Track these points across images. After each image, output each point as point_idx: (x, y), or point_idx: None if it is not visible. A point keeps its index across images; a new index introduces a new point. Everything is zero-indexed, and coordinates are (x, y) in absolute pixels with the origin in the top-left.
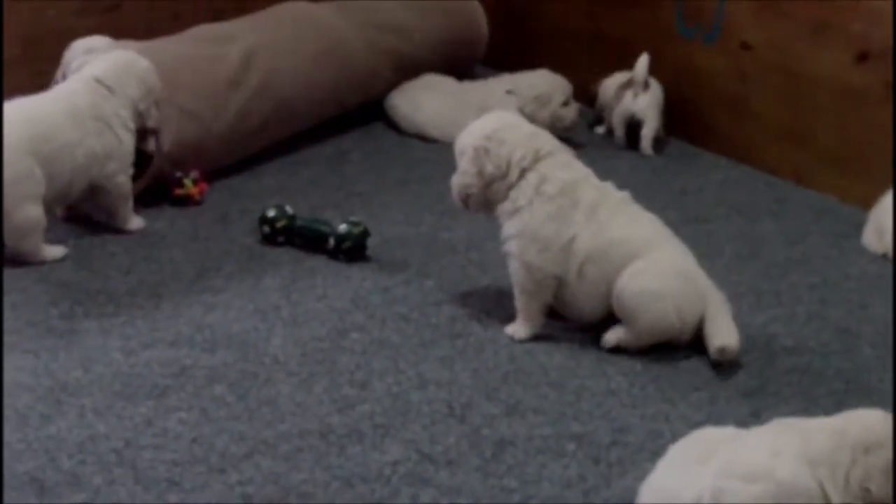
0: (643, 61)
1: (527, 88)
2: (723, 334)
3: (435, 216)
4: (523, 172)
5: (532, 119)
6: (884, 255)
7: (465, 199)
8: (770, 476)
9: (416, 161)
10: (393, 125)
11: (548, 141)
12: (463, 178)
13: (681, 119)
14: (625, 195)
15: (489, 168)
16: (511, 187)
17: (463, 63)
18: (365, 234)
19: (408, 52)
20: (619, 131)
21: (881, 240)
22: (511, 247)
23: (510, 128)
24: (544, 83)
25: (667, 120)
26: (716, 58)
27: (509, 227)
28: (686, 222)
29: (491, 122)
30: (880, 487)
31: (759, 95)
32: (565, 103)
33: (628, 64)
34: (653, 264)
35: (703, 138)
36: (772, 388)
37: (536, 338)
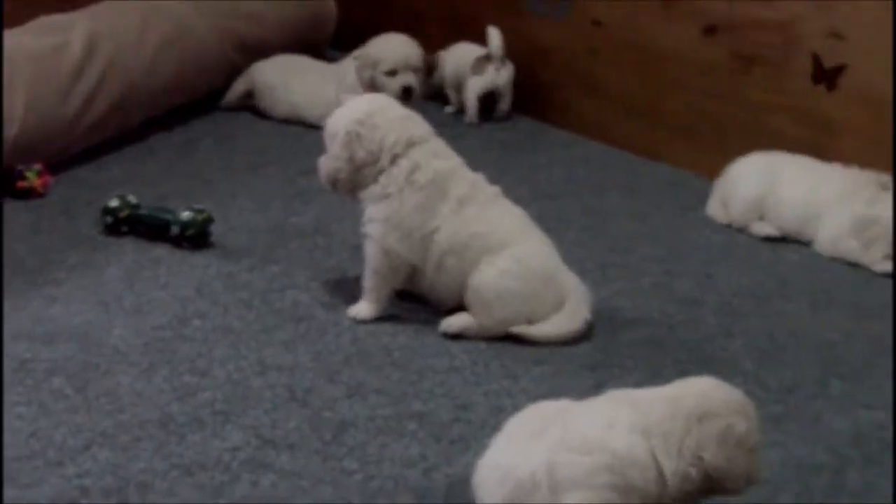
0: (495, 35)
1: (366, 47)
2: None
3: (284, 201)
4: (395, 158)
5: (359, 80)
6: (729, 225)
7: (334, 182)
8: (604, 447)
9: (268, 146)
10: (257, 111)
11: (420, 126)
12: (334, 161)
13: (532, 96)
14: (496, 189)
15: (360, 153)
16: (381, 172)
17: (313, 45)
18: (208, 220)
19: (257, 35)
20: (474, 104)
21: (726, 210)
22: (373, 230)
23: (382, 111)
24: (379, 45)
25: (518, 97)
26: (566, 34)
27: (374, 212)
28: (535, 199)
29: (363, 105)
30: (713, 455)
31: (609, 71)
32: (392, 72)
33: (480, 40)
34: (512, 261)
35: (554, 115)
36: (616, 361)
37: (380, 318)
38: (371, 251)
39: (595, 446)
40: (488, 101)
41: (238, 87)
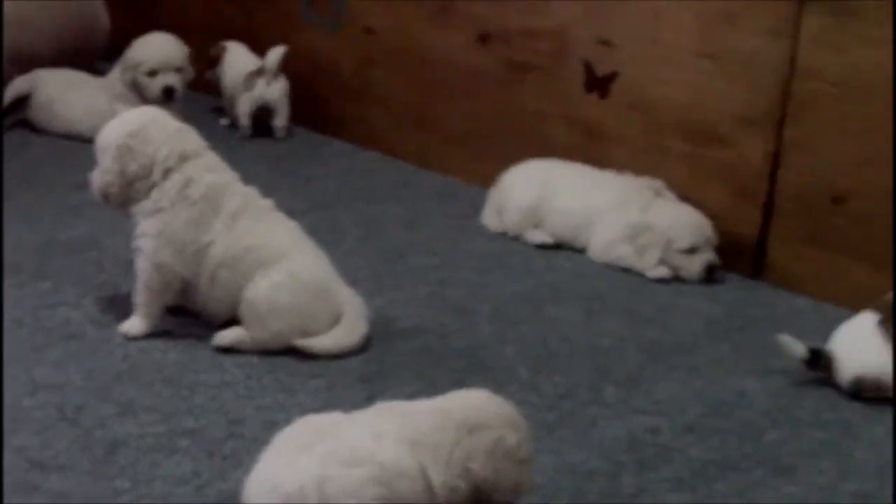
0: (278, 52)
1: (130, 49)
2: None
3: (54, 216)
4: (167, 172)
5: (125, 86)
6: (503, 233)
7: (106, 196)
8: (372, 459)
9: (39, 161)
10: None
11: (194, 140)
12: (105, 175)
13: (307, 107)
14: (268, 203)
15: (132, 167)
16: (154, 186)
17: (84, 56)
18: None
19: (26, 45)
20: (246, 120)
21: (501, 218)
22: (145, 245)
23: (155, 124)
24: (140, 47)
25: (295, 108)
26: (340, 44)
27: (147, 227)
28: (310, 210)
29: (135, 117)
30: (482, 467)
31: (383, 80)
32: (152, 73)
33: (256, 52)
34: (286, 275)
35: (329, 126)
36: (390, 372)
37: (152, 334)
38: (143, 266)
39: (363, 459)
40: (263, 115)
41: (7, 97)
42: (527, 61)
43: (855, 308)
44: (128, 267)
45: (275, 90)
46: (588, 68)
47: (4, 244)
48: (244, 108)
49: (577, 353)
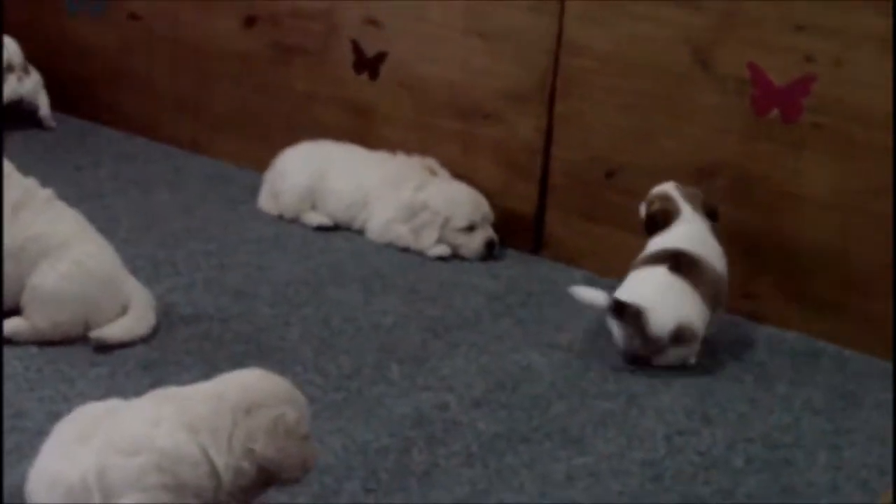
0: (11, 44)
1: None
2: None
3: None
4: None
5: None
6: (280, 216)
7: None
8: (151, 447)
9: None
10: None
11: None
12: None
13: (73, 95)
14: (48, 192)
15: None
16: None
17: None
18: None
19: None
20: None
21: (276, 201)
22: None
23: None
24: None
25: (63, 97)
26: (106, 30)
27: None
28: (83, 199)
29: None
30: (264, 447)
31: (150, 66)
32: None
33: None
34: (72, 264)
35: (98, 113)
36: (172, 358)
37: None
38: None
39: (142, 446)
40: (20, 110)
41: None
42: (295, 43)
43: None
44: None
45: (27, 84)
46: (357, 49)
47: None
48: None
49: (361, 333)
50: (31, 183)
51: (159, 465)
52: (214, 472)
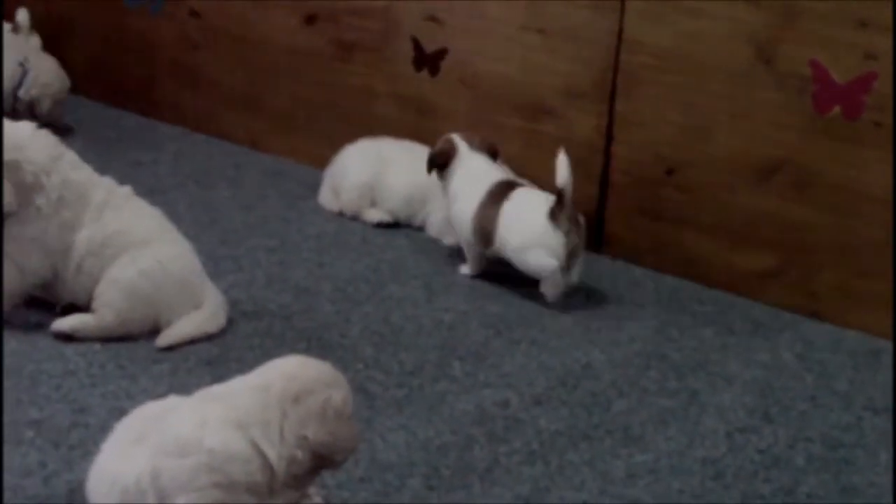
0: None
1: (39, 69)
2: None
3: None
4: (47, 177)
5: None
6: (340, 213)
7: None
8: (199, 447)
9: None
10: None
11: (54, 140)
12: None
13: (133, 91)
14: (127, 190)
15: (28, 180)
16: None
17: None
18: None
19: None
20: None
21: (337, 198)
22: (14, 250)
23: (21, 131)
24: (54, 75)
25: (122, 93)
26: (165, 27)
27: (20, 231)
28: (144, 194)
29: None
30: (316, 432)
31: (210, 63)
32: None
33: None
34: (153, 262)
35: (157, 109)
36: (234, 355)
37: None
38: (6, 269)
39: (191, 448)
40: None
41: None
42: (355, 40)
43: (690, 276)
44: None
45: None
46: (417, 45)
47: None
48: None
49: (422, 330)
50: (109, 182)
51: (210, 465)
52: (267, 465)
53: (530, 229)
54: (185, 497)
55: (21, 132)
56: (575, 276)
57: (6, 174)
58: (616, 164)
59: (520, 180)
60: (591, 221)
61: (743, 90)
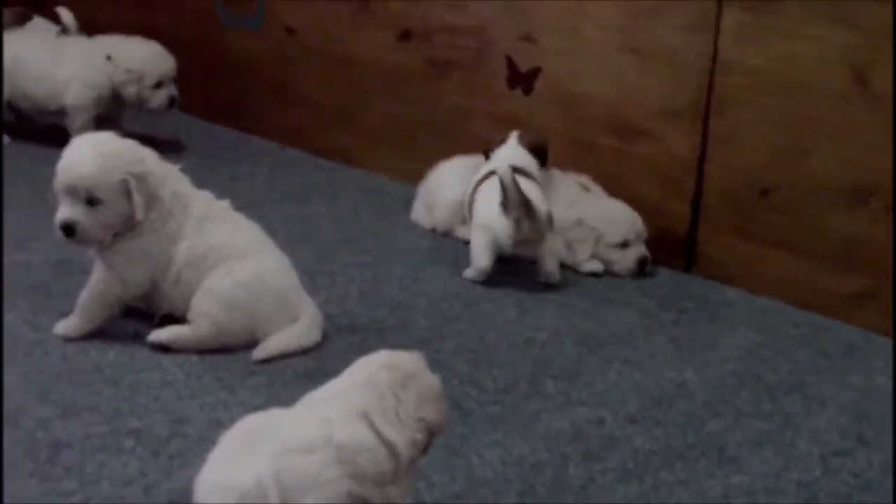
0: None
1: (123, 55)
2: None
3: None
4: (161, 190)
5: (120, 90)
6: (433, 230)
7: (90, 237)
8: (328, 442)
9: None
10: None
11: (154, 156)
12: (104, 214)
13: (229, 106)
14: (226, 204)
15: (147, 197)
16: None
17: None
18: None
19: None
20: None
21: (430, 215)
22: (117, 262)
23: (136, 149)
24: (141, 58)
25: (216, 108)
26: (261, 43)
27: (125, 245)
28: (239, 208)
29: (108, 146)
30: (430, 412)
31: (304, 78)
32: (158, 84)
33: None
34: (250, 275)
35: (252, 124)
36: (330, 368)
37: (89, 335)
38: (107, 279)
39: (317, 444)
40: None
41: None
42: (449, 58)
43: (783, 298)
44: (58, 267)
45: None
46: (511, 64)
47: None
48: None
49: (515, 347)
50: (208, 195)
51: (338, 458)
52: (393, 452)
53: (485, 211)
54: (315, 493)
55: (134, 146)
56: (549, 266)
57: (136, 186)
58: (710, 185)
59: (531, 171)
60: (683, 241)
61: (838, 112)
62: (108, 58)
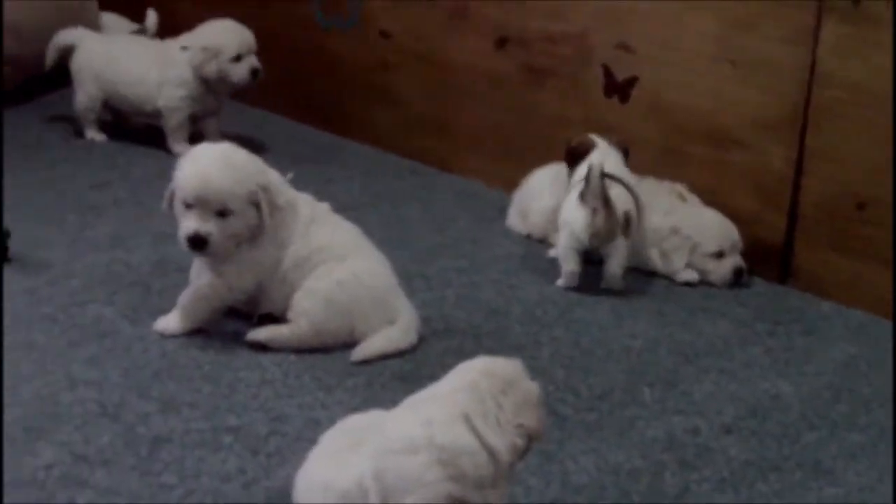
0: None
1: (197, 37)
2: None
3: (78, 214)
4: (280, 199)
5: (200, 72)
6: (528, 236)
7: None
8: (430, 443)
9: (56, 159)
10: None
11: (258, 160)
12: (232, 226)
13: (324, 109)
14: (327, 206)
15: (268, 205)
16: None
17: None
18: (4, 235)
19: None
20: None
21: (525, 221)
22: (229, 270)
23: (250, 157)
24: (215, 34)
25: (312, 110)
26: (356, 47)
27: (240, 254)
28: (336, 211)
29: (227, 156)
30: (529, 419)
31: (401, 83)
32: (237, 58)
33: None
34: (350, 275)
35: (348, 127)
36: (426, 371)
37: (188, 332)
38: (216, 284)
39: (420, 445)
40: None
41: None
42: (546, 65)
43: (878, 312)
44: (156, 265)
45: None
46: (608, 73)
47: (28, 241)
48: None
49: (611, 355)
50: (309, 198)
51: (440, 460)
52: (493, 457)
53: (566, 206)
54: (416, 494)
55: (254, 157)
56: (614, 268)
57: (263, 197)
58: (806, 197)
59: (624, 179)
60: (778, 253)
61: None
62: (184, 48)
